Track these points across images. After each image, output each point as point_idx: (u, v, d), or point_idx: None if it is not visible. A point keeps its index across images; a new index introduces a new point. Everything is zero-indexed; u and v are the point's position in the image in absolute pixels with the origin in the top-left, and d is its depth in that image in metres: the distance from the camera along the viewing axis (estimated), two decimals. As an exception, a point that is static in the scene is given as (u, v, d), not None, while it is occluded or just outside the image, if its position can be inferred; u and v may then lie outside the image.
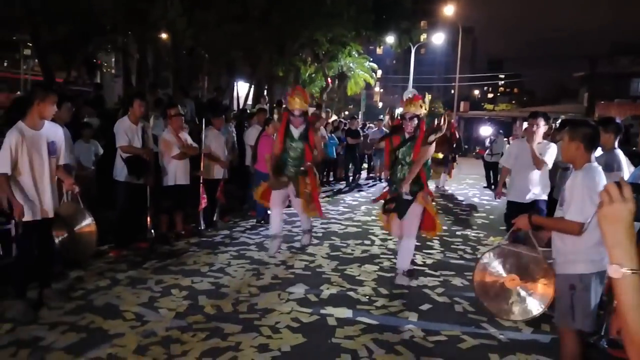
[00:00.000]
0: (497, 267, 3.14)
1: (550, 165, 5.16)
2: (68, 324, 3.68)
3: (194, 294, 4.41)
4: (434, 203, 5.20)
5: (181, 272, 4.99)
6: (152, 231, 6.02)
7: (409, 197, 4.88)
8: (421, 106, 4.89)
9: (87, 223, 4.02)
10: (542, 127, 5.16)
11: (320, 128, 8.85)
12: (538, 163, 5.05)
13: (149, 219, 5.98)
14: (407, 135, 4.95)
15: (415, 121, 4.87)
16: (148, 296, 4.28)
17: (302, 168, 5.71)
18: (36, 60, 17.15)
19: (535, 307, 3.05)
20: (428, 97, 4.46)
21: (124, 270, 4.96)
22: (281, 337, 3.63)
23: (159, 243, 5.97)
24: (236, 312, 4.05)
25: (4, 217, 4.62)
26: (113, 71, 24.14)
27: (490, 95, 67.51)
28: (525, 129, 5.54)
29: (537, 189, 5.24)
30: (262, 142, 7.39)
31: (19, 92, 17.20)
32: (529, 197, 5.24)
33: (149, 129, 5.90)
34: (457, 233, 7.54)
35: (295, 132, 5.67)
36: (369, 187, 12.74)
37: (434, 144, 4.80)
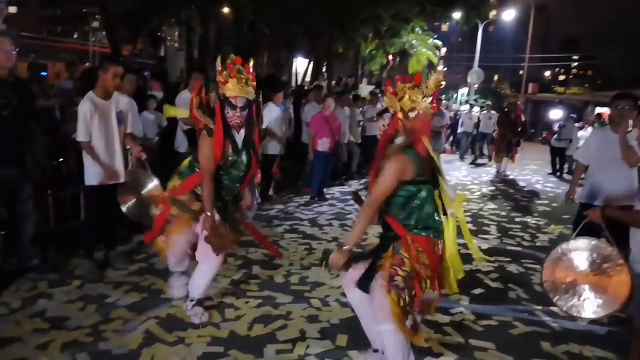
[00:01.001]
0: (569, 261, 3.02)
1: None
2: (131, 284, 3.92)
3: (248, 263, 4.56)
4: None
5: (237, 242, 5.14)
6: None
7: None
8: (394, 92, 2.68)
9: (155, 185, 4.21)
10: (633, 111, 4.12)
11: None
12: (630, 157, 3.95)
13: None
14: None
15: (385, 119, 2.78)
16: (205, 263, 4.46)
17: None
18: (104, 33, 17.86)
19: (608, 306, 2.90)
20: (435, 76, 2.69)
21: (183, 237, 5.17)
22: (330, 310, 3.70)
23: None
24: (287, 283, 4.16)
25: (74, 181, 4.94)
26: (176, 44, 24.73)
27: (561, 78, 64.24)
28: (609, 114, 4.66)
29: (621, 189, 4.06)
30: (313, 120, 7.44)
31: (87, 64, 18.03)
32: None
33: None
34: (516, 220, 7.33)
35: (237, 136, 3.28)
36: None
37: (399, 162, 2.58)
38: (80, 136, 3.88)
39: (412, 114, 2.63)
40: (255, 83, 3.26)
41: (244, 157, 3.31)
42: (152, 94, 6.55)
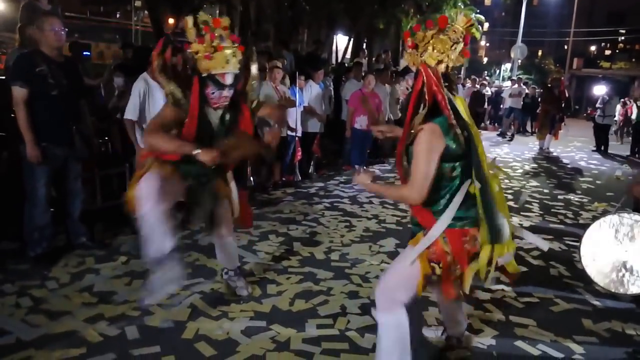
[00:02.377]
0: (610, 235, 2.94)
1: None
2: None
3: (289, 240, 4.63)
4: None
5: (278, 219, 5.24)
6: (252, 179, 6.34)
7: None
8: (414, 45, 2.20)
9: None
10: None
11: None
12: None
13: (249, 168, 6.29)
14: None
15: (409, 80, 2.30)
16: (247, 240, 4.56)
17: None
18: (146, 12, 18.03)
19: None
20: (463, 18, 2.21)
21: (225, 214, 5.29)
22: (371, 286, 3.74)
23: (257, 191, 6.28)
24: (328, 260, 4.21)
25: (119, 159, 5.11)
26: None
27: (607, 52, 61.34)
28: None
29: None
30: (352, 97, 7.39)
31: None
32: None
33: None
34: (559, 197, 7.16)
35: (214, 114, 2.83)
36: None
37: (429, 133, 2.09)
38: (129, 114, 4.01)
39: (441, 67, 2.13)
40: (241, 50, 2.77)
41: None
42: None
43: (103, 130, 5.38)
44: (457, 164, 2.15)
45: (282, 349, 2.83)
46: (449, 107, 2.09)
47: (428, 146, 2.06)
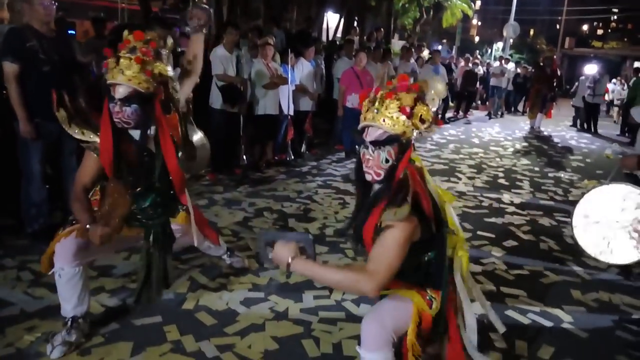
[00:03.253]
0: (601, 206, 3.01)
1: None
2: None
3: (284, 216, 4.69)
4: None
5: (272, 197, 5.29)
6: (245, 158, 6.37)
7: None
8: (407, 112, 1.84)
9: (199, 138, 4.36)
10: None
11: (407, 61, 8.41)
12: None
13: (242, 147, 6.31)
14: (371, 191, 2.01)
15: (388, 152, 1.86)
16: (242, 216, 4.61)
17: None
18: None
19: (636, 253, 2.92)
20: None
21: (220, 192, 5.34)
22: (364, 259, 3.81)
23: (251, 170, 6.32)
24: (323, 235, 4.28)
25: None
26: (205, 0, 24.49)
27: (600, 32, 61.28)
28: None
29: None
30: (343, 75, 7.38)
31: (116, 22, 18.10)
32: None
33: (242, 58, 6.09)
34: (549, 175, 7.27)
35: (137, 134, 2.49)
36: (465, 123, 12.35)
37: (409, 224, 1.81)
38: None
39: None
40: (160, 67, 2.42)
41: (152, 168, 2.54)
42: (184, 51, 6.60)
43: (96, 107, 5.35)
44: (430, 253, 2.01)
45: (280, 318, 2.91)
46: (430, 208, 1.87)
47: (404, 241, 1.80)
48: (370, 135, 1.87)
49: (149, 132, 2.48)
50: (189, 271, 3.43)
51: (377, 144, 1.85)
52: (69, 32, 7.51)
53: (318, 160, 7.24)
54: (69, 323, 2.49)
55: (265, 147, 6.71)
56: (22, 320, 2.72)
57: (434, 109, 1.94)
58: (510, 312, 3.15)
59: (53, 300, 2.91)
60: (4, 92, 3.75)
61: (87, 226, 2.32)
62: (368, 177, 1.90)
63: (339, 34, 16.40)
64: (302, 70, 7.01)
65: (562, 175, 7.33)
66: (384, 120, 1.83)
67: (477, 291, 2.18)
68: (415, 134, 1.88)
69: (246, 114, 6.21)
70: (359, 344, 1.92)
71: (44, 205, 3.87)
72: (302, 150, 7.45)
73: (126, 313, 2.86)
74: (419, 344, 1.99)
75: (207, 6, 2.97)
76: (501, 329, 2.13)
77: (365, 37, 13.66)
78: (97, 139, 2.43)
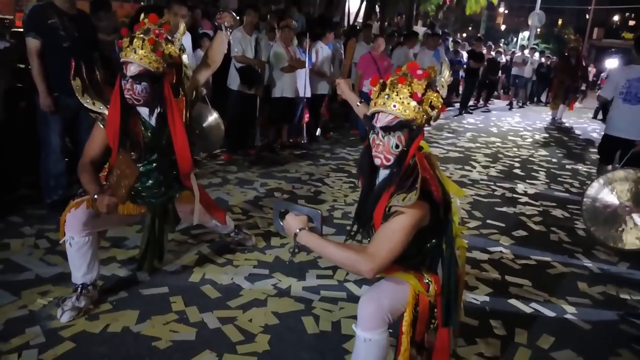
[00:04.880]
0: (611, 192, 2.99)
1: None
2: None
3: (294, 198, 4.74)
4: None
5: (284, 178, 5.35)
6: (260, 139, 6.42)
7: None
8: (419, 98, 1.82)
9: (214, 118, 4.48)
10: None
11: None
12: None
13: (258, 127, 6.37)
14: (377, 176, 2.01)
15: (398, 138, 1.84)
16: (254, 195, 4.68)
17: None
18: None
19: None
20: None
21: (233, 171, 5.42)
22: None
23: (265, 151, 6.38)
24: (331, 217, 4.32)
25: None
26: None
27: (631, 23, 59.58)
28: None
29: None
30: (361, 60, 7.35)
31: (142, 3, 18.20)
32: None
33: (262, 40, 6.11)
34: (567, 167, 7.20)
35: (146, 112, 2.60)
36: (485, 112, 12.22)
37: (419, 210, 1.80)
38: None
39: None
40: (171, 49, 2.53)
41: (153, 149, 2.63)
42: (205, 32, 6.65)
43: (111, 82, 5.45)
44: (434, 240, 2.02)
45: (282, 295, 2.97)
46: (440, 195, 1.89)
47: (412, 227, 1.79)
48: (380, 121, 1.86)
49: (156, 110, 2.57)
50: (198, 246, 3.52)
51: (388, 129, 1.84)
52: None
53: (332, 144, 7.27)
54: (79, 290, 2.60)
55: (281, 129, 6.76)
56: (36, 284, 2.83)
57: (444, 95, 1.93)
58: (512, 301, 3.17)
59: (67, 267, 2.99)
60: (28, 66, 3.85)
61: (95, 196, 2.42)
62: (377, 162, 1.91)
63: (360, 19, 16.27)
64: (321, 53, 7.01)
65: (580, 167, 7.25)
66: (394, 106, 1.82)
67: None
68: (424, 120, 1.87)
69: (263, 96, 6.25)
70: (355, 323, 1.96)
71: (62, 177, 3.98)
72: (317, 133, 7.49)
73: (135, 283, 2.95)
74: (417, 328, 2.02)
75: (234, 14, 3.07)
76: None
77: (386, 23, 13.54)
78: (107, 112, 2.54)
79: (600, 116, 12.93)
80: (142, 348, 2.38)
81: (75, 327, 2.48)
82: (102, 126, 2.57)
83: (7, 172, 4.34)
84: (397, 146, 1.85)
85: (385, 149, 1.86)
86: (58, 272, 2.99)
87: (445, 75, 1.94)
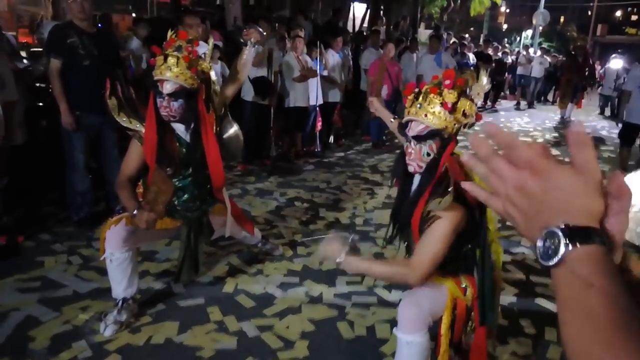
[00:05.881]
0: (635, 190, 3.03)
1: None
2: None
3: (314, 206, 4.82)
4: None
5: (302, 187, 5.42)
6: (275, 149, 6.51)
7: None
8: (449, 107, 1.88)
9: (234, 130, 4.57)
10: None
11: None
12: None
13: (272, 138, 6.45)
14: (412, 182, 2.09)
15: (429, 146, 1.93)
16: (275, 205, 4.76)
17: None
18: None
19: None
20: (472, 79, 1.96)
21: (251, 182, 5.50)
22: (395, 248, 3.89)
23: (280, 160, 6.46)
24: (353, 224, 4.39)
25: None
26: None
27: (634, 18, 59.48)
28: None
29: None
30: (372, 66, 7.42)
31: (144, 15, 18.41)
32: None
33: (274, 51, 6.20)
34: (580, 165, 7.22)
35: (180, 129, 2.69)
36: (493, 112, 12.27)
37: (456, 214, 1.90)
38: None
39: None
40: (203, 65, 2.60)
41: (189, 159, 2.70)
42: (216, 44, 6.74)
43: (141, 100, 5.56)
44: (469, 245, 2.07)
45: (315, 302, 3.04)
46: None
47: (451, 232, 1.88)
48: (412, 130, 1.92)
49: (191, 126, 2.64)
50: (227, 257, 3.59)
51: (419, 138, 1.90)
52: (98, 26, 7.76)
53: (345, 152, 7.34)
54: (120, 304, 2.68)
55: (295, 138, 6.84)
56: (75, 300, 2.92)
57: (479, 103, 1.99)
58: (539, 300, 3.22)
59: (102, 282, 3.11)
60: (48, 85, 3.95)
61: (134, 212, 2.49)
62: (410, 169, 1.97)
63: (365, 24, 16.37)
64: (332, 61, 7.09)
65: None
66: (425, 115, 1.88)
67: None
68: (456, 128, 1.91)
69: (276, 106, 6.34)
70: (396, 326, 2.03)
71: (87, 194, 4.07)
72: (330, 141, 7.56)
73: (171, 295, 3.03)
74: (455, 330, 2.09)
75: (261, 29, 3.13)
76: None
77: (392, 27, 13.61)
78: (143, 129, 2.59)
79: (607, 112, 12.96)
80: (187, 358, 2.45)
81: (119, 340, 2.56)
82: (139, 143, 2.63)
83: (32, 191, 4.44)
84: (428, 154, 1.91)
85: (417, 157, 1.93)
86: (94, 287, 3.08)
87: (483, 83, 1.98)
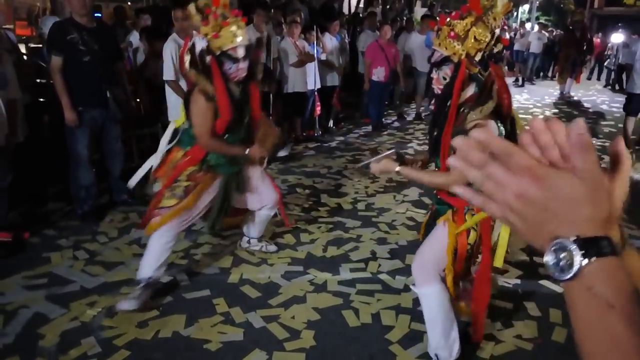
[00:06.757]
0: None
1: None
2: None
3: (316, 192, 4.82)
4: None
5: (303, 173, 5.42)
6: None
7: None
8: (456, 36, 2.09)
9: None
10: None
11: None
12: None
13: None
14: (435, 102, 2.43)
15: (444, 72, 2.17)
16: (276, 193, 4.75)
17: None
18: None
19: None
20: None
21: (252, 169, 5.49)
22: (398, 233, 3.93)
23: (280, 146, 6.44)
24: (355, 210, 4.40)
25: (150, 119, 5.28)
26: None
27: (633, -13, 58.59)
28: None
29: None
30: (368, 48, 7.36)
31: (139, 4, 18.20)
32: None
33: (273, 37, 6.15)
34: (580, 142, 7.21)
35: (235, 89, 2.86)
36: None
37: (488, 127, 2.01)
38: (168, 75, 4.19)
39: (478, 57, 2.11)
40: (244, 22, 2.81)
41: (245, 115, 2.91)
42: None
43: (134, 92, 5.53)
44: None
45: (320, 291, 3.06)
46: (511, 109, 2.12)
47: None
48: (433, 58, 2.20)
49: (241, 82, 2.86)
50: (231, 247, 3.61)
51: (435, 65, 2.19)
52: (95, 15, 7.64)
53: (345, 135, 7.32)
54: (144, 283, 2.78)
55: (294, 124, 6.82)
56: (82, 296, 2.94)
57: (498, 27, 2.12)
58: (543, 282, 3.24)
59: (109, 277, 3.14)
60: (49, 81, 3.93)
61: (247, 151, 2.87)
62: (436, 92, 2.24)
63: (361, 5, 16.16)
64: (330, 44, 7.04)
65: (593, 141, 7.26)
66: (439, 45, 2.15)
67: None
68: (465, 53, 2.07)
69: (275, 92, 6.30)
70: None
71: (92, 187, 4.07)
72: (330, 125, 7.54)
73: (177, 288, 3.06)
74: (456, 267, 2.25)
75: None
76: None
77: (388, 7, 13.46)
78: (210, 87, 2.71)
79: (617, 87, 12.90)
80: (195, 351, 2.48)
81: (127, 335, 2.58)
82: (210, 103, 2.72)
83: (35, 185, 4.45)
84: (444, 78, 2.16)
85: (437, 82, 2.21)
86: (101, 282, 3.10)
87: (499, 6, 2.08)
